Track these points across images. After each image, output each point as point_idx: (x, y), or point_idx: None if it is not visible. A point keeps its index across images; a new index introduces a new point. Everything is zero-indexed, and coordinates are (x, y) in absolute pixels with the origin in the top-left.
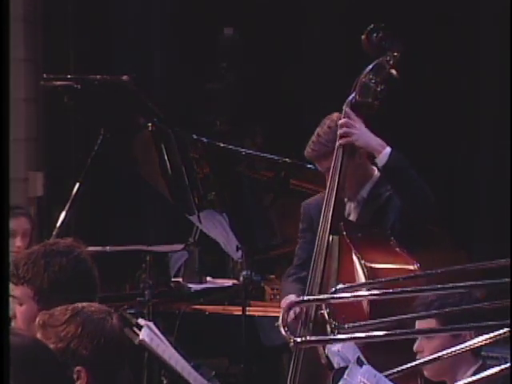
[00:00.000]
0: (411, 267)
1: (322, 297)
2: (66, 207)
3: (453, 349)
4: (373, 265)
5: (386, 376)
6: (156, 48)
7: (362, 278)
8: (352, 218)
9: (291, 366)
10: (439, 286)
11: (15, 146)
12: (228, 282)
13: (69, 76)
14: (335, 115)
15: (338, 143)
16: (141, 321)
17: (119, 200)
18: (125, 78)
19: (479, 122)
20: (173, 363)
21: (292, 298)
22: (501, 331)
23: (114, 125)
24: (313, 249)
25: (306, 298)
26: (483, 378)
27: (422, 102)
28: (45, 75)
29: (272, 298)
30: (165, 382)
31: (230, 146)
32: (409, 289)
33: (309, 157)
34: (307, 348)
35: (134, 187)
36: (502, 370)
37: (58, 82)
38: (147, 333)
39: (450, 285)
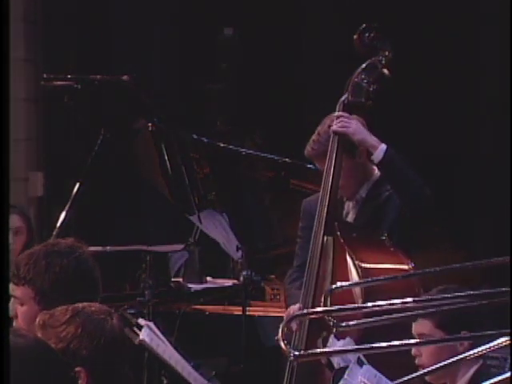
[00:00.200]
0: (405, 267)
1: (324, 309)
2: (66, 207)
3: (454, 359)
4: (366, 265)
5: None
6: (156, 48)
7: (355, 279)
8: (350, 217)
9: (288, 366)
10: (439, 296)
11: (15, 146)
12: (228, 282)
13: (69, 76)
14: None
15: (331, 130)
16: (141, 321)
17: (119, 200)
18: (125, 77)
19: (479, 121)
20: (173, 363)
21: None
22: (502, 339)
23: (114, 125)
24: None
25: (307, 311)
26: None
27: (422, 102)
28: (45, 75)
29: (272, 298)
30: (165, 381)
31: (230, 146)
32: (409, 300)
33: (309, 156)
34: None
35: (134, 187)
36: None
37: (58, 82)
38: (147, 333)
39: (450, 295)
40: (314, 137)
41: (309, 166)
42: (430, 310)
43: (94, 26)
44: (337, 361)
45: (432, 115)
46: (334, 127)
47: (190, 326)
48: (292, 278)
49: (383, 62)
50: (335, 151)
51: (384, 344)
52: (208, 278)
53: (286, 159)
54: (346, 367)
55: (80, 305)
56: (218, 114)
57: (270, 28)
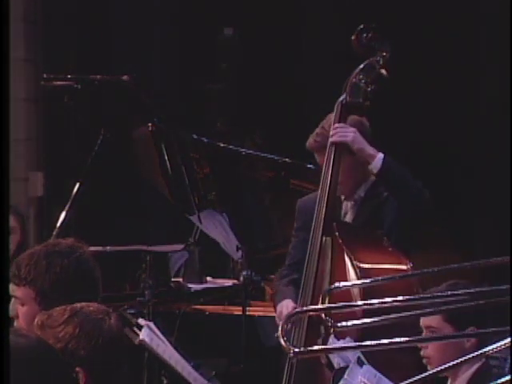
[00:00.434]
0: (404, 267)
1: (324, 306)
2: (66, 207)
3: (463, 358)
4: (365, 265)
5: None
6: (156, 48)
7: (353, 279)
8: (349, 217)
9: (287, 365)
10: (439, 293)
11: (15, 146)
12: (228, 282)
13: (69, 76)
14: None
15: (330, 141)
16: (141, 321)
17: (119, 200)
18: (125, 77)
19: (479, 121)
20: (173, 363)
21: (287, 302)
22: (507, 340)
23: (114, 125)
24: (306, 248)
25: (307, 308)
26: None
27: (422, 102)
28: (45, 75)
29: (272, 298)
30: (165, 382)
31: (230, 146)
32: (412, 297)
33: (311, 148)
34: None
35: (134, 187)
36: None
37: (58, 82)
38: (147, 333)
39: (449, 293)
40: (317, 130)
41: (309, 166)
42: (429, 310)
43: (94, 26)
44: (337, 361)
45: (432, 115)
46: (333, 138)
47: (190, 326)
48: (281, 276)
49: (381, 62)
50: (332, 160)
51: (385, 341)
52: (208, 278)
53: (286, 159)
54: (346, 367)
55: (78, 305)
56: (218, 114)
57: (270, 28)
